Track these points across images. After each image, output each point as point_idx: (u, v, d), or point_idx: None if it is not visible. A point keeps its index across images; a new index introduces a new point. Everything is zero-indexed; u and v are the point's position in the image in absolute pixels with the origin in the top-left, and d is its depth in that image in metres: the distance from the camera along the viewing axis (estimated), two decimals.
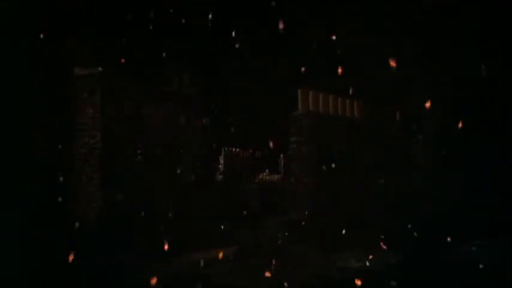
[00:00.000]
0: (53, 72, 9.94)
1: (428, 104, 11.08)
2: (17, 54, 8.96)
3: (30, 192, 9.63)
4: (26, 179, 9.66)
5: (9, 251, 8.14)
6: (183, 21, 10.30)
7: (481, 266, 8.82)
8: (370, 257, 9.89)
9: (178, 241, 9.96)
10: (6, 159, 9.13)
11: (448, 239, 10.55)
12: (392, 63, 8.51)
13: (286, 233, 11.39)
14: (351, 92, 11.78)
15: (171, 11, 10.46)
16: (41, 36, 9.21)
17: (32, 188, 9.70)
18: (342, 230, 10.81)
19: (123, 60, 10.03)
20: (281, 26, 8.08)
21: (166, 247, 9.51)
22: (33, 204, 9.62)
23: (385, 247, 10.33)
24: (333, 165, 11.34)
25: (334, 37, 10.12)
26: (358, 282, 8.08)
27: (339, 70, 9.96)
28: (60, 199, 9.97)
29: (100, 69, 9.98)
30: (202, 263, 9.55)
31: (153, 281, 7.19)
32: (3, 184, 9.08)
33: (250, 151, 17.96)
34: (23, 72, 9.28)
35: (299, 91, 11.63)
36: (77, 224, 9.90)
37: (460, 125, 9.59)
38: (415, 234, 10.63)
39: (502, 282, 7.76)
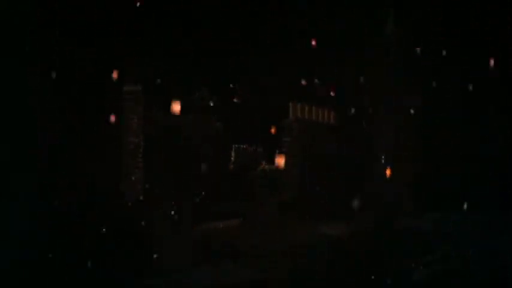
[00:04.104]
0: (111, 90, 13.30)
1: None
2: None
3: (95, 176, 13.06)
4: (89, 168, 13.07)
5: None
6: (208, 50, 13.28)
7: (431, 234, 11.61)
8: (343, 225, 12.86)
9: (201, 213, 13.32)
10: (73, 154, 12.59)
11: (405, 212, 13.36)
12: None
13: (280, 208, 14.58)
14: (329, 103, 14.96)
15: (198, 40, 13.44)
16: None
17: (95, 174, 13.13)
18: (322, 206, 13.98)
19: (159, 80, 13.32)
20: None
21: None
22: (96, 185, 13.06)
23: (355, 218, 13.43)
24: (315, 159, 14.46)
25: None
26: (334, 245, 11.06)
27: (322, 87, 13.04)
28: (113, 181, 13.40)
29: (143, 86, 13.24)
30: (214, 230, 12.57)
31: None
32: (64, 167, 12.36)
33: (254, 148, 21.11)
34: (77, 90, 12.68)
35: (290, 103, 15.10)
36: (127, 201, 13.34)
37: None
38: (379, 208, 13.43)
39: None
